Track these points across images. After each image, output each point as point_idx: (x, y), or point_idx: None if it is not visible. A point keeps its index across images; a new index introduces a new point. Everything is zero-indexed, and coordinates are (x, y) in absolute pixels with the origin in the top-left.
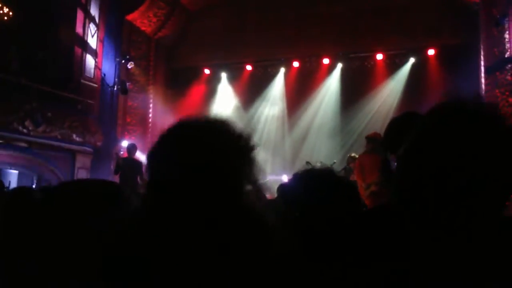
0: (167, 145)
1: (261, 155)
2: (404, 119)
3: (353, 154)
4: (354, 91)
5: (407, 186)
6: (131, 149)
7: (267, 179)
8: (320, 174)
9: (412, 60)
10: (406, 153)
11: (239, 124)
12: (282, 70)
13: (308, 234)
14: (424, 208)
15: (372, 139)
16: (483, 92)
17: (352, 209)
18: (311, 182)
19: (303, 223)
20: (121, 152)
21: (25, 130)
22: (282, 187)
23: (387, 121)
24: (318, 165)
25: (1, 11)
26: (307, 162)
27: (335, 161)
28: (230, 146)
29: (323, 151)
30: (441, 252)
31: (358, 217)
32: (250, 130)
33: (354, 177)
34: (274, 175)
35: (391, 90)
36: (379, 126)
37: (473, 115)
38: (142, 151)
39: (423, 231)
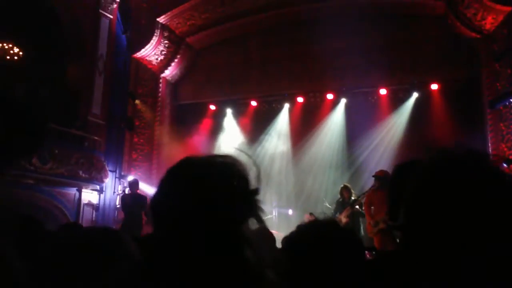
0: (167, 190)
1: (267, 190)
2: (408, 167)
3: (346, 184)
4: (359, 126)
5: (413, 235)
6: (134, 184)
7: (273, 214)
8: (324, 227)
9: (415, 95)
10: (410, 203)
11: (245, 163)
12: (287, 105)
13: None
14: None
15: (379, 177)
16: (487, 126)
17: (355, 263)
18: (315, 236)
19: (305, 277)
20: (127, 189)
21: (32, 167)
22: (286, 240)
23: (392, 155)
24: (323, 215)
25: (12, 51)
26: (311, 214)
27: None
28: (230, 191)
29: (328, 186)
30: None
31: (361, 271)
32: (257, 169)
33: (349, 209)
34: (280, 209)
35: (395, 124)
36: (384, 160)
37: (473, 168)
38: (148, 186)
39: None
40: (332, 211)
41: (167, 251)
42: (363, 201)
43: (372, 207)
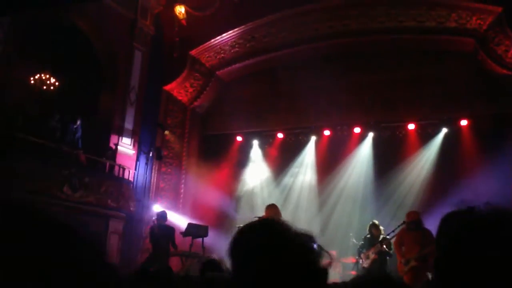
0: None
1: (292, 223)
2: (457, 218)
3: (375, 221)
4: (386, 160)
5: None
6: (163, 216)
7: None
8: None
9: (444, 130)
10: (444, 258)
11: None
12: (313, 138)
13: None
14: None
15: (411, 220)
16: None
17: None
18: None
19: None
20: (154, 218)
21: (63, 195)
22: None
23: (420, 191)
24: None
25: (48, 82)
26: (363, 266)
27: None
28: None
29: (354, 220)
30: None
31: None
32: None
33: (378, 246)
34: None
35: (424, 159)
36: (412, 196)
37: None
38: (174, 215)
39: None
40: (359, 247)
41: None
42: (392, 241)
43: (403, 247)
